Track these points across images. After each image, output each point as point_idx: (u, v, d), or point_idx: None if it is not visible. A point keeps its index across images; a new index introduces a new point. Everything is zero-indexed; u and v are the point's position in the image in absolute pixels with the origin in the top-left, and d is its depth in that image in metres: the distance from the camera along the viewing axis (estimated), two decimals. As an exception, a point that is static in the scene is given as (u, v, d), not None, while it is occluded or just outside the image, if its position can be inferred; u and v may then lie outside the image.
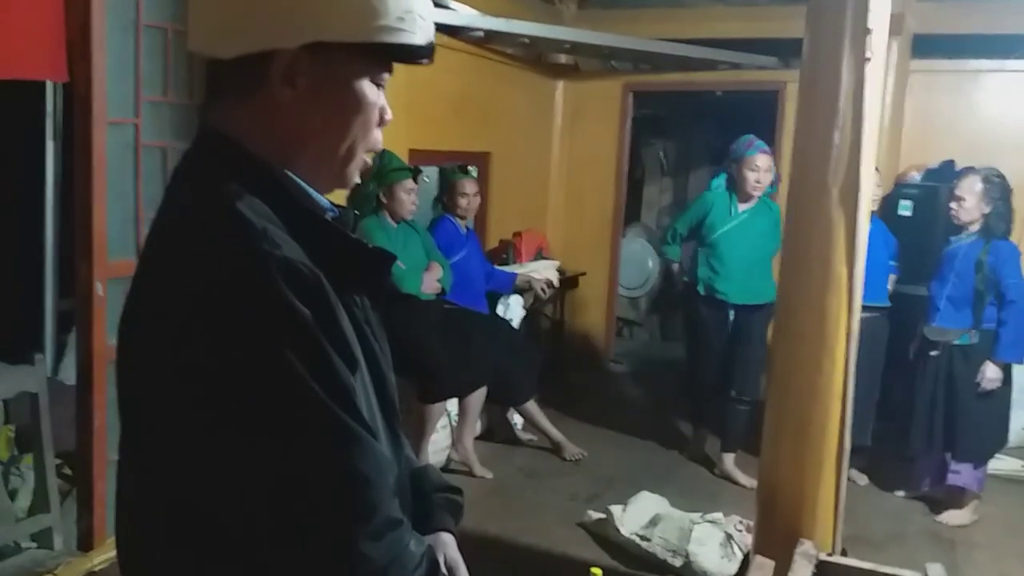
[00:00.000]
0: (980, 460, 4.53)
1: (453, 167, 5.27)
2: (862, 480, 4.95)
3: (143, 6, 3.14)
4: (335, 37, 1.05)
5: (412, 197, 4.61)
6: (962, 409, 4.41)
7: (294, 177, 1.10)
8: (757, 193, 4.82)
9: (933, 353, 4.50)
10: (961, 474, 4.48)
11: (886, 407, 5.01)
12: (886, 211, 5.50)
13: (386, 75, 1.13)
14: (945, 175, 5.53)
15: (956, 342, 4.42)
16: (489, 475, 4.85)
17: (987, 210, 4.34)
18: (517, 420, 5.46)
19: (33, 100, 3.99)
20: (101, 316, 3.06)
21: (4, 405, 3.11)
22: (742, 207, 4.85)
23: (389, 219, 4.59)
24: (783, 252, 3.01)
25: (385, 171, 4.51)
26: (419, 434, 4.63)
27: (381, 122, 1.15)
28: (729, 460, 5.01)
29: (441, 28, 5.19)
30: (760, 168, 4.77)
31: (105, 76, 3.02)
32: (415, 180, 4.66)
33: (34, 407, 3.08)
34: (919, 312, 4.75)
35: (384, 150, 4.55)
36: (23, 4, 2.84)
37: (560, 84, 7.28)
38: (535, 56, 6.85)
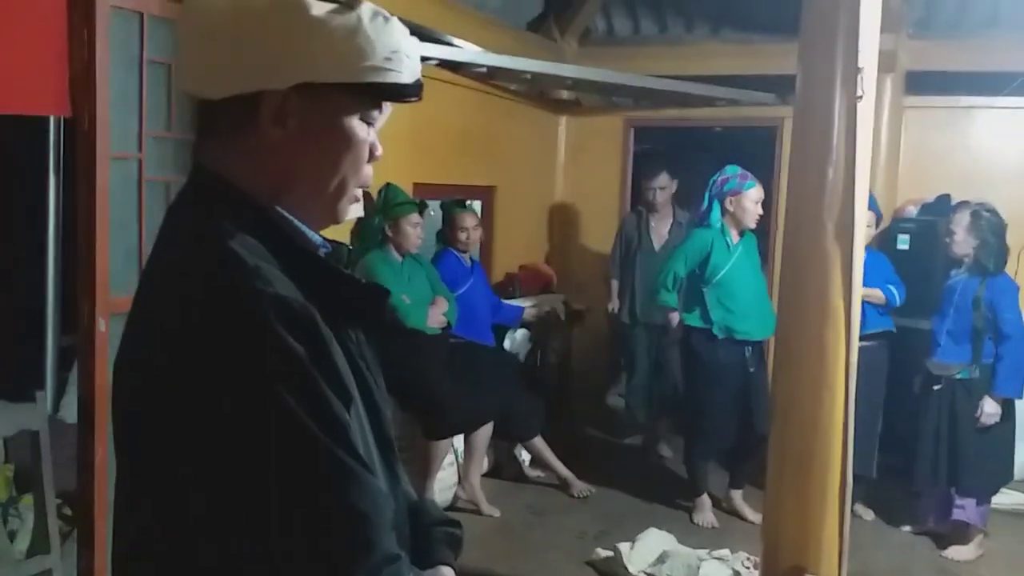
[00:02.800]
0: (984, 495, 4.51)
1: (452, 201, 5.32)
2: (868, 515, 4.95)
3: (147, 42, 3.17)
4: (324, 78, 1.08)
5: (418, 231, 4.66)
6: (965, 444, 4.41)
7: (286, 214, 1.12)
8: (754, 225, 4.83)
9: (936, 387, 4.50)
10: (966, 509, 4.46)
11: (891, 441, 4.99)
12: (884, 245, 5.53)
13: (375, 112, 1.15)
14: (941, 209, 5.59)
15: (958, 376, 4.43)
16: (496, 513, 4.82)
17: (975, 244, 4.37)
18: (524, 456, 5.44)
19: (35, 135, 4.03)
20: (103, 352, 3.04)
21: (4, 443, 3.10)
22: (736, 239, 4.82)
23: (394, 253, 4.62)
24: (780, 287, 3.03)
25: (391, 205, 4.56)
26: (424, 472, 4.59)
27: (371, 158, 1.16)
28: (737, 496, 4.97)
29: (445, 64, 5.28)
30: (759, 200, 4.80)
31: (108, 111, 3.03)
32: (420, 214, 4.71)
33: (35, 445, 3.07)
34: (919, 345, 4.76)
35: (389, 184, 4.62)
36: (26, 39, 2.87)
37: (562, 119, 7.35)
38: (537, 92, 6.92)
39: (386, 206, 4.57)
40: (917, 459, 4.59)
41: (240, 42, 1.06)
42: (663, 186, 6.01)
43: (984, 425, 4.35)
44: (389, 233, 4.59)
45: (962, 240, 4.41)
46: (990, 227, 4.37)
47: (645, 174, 6.17)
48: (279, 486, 0.96)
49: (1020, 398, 4.44)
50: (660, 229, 6.08)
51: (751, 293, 4.79)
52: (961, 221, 4.42)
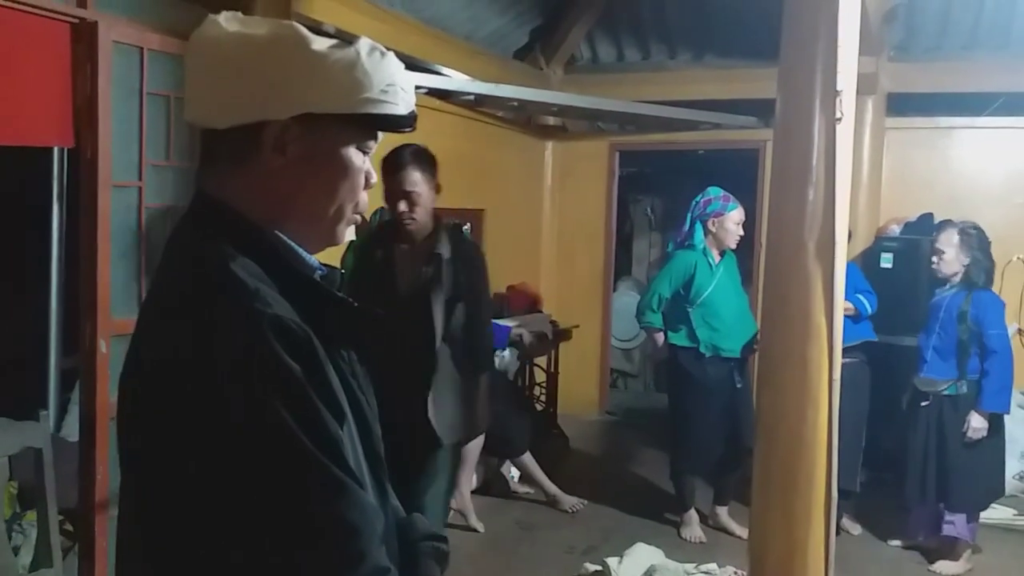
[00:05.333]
0: (974, 510, 4.52)
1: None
2: (856, 529, 4.97)
3: (147, 75, 3.27)
4: (323, 109, 1.14)
5: None
6: (953, 459, 4.41)
7: (284, 238, 1.17)
8: (735, 246, 4.91)
9: (924, 404, 4.51)
10: (955, 525, 4.47)
11: (879, 456, 5.03)
12: (867, 263, 5.62)
13: (371, 142, 1.21)
14: (924, 228, 5.70)
15: (945, 392, 4.44)
16: (481, 527, 4.85)
17: (966, 261, 4.41)
18: (513, 473, 5.50)
19: (39, 164, 4.10)
20: (104, 373, 3.12)
21: (8, 461, 3.16)
22: (717, 259, 4.89)
23: None
24: (764, 305, 3.09)
25: None
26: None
27: (366, 185, 1.22)
28: (723, 512, 5.01)
29: (434, 92, 5.38)
30: (741, 222, 4.87)
31: (110, 141, 3.13)
32: None
33: (38, 463, 3.14)
34: (903, 361, 4.81)
35: (378, 211, 4.69)
36: (33, 74, 2.95)
37: (549, 144, 7.47)
38: (525, 118, 7.04)
39: None
40: (906, 475, 4.60)
41: (245, 75, 1.12)
42: (412, 188, 3.42)
43: (971, 440, 4.36)
44: None
45: (953, 259, 4.42)
46: (979, 244, 4.43)
47: (386, 168, 3.42)
48: (274, 498, 0.99)
49: (1007, 413, 4.46)
50: (411, 261, 3.49)
51: (734, 311, 4.87)
52: (950, 240, 4.44)
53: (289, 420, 1.00)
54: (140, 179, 3.29)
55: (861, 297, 4.84)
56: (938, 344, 4.46)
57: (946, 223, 4.67)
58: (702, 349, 4.81)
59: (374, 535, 1.05)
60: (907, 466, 4.59)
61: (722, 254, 4.90)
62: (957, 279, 4.46)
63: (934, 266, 4.51)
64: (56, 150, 4.01)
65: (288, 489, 1.00)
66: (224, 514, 1.01)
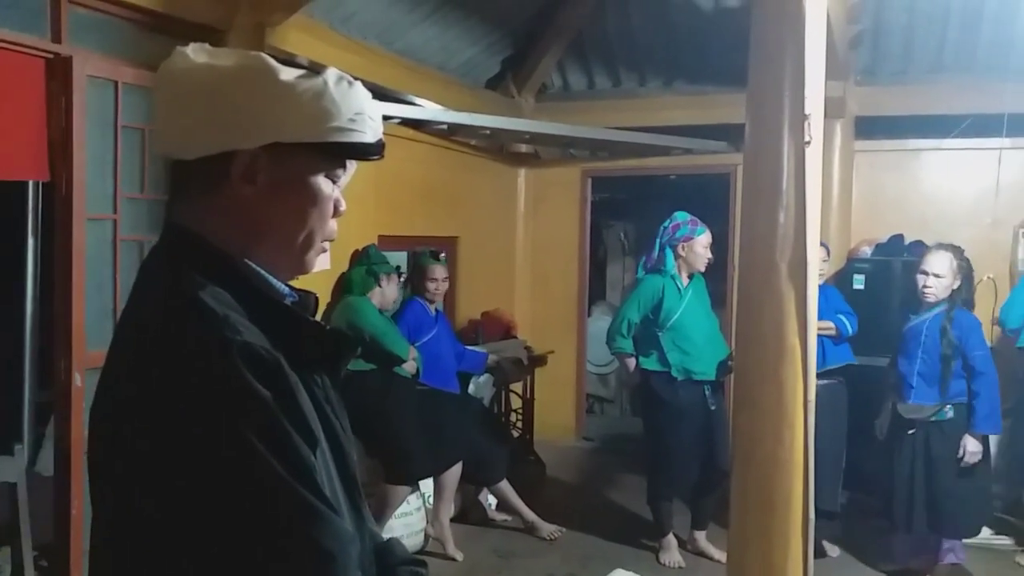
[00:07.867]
0: (970, 535, 4.48)
1: (425, 252, 5.44)
2: (834, 552, 4.93)
3: (121, 109, 3.28)
4: (292, 138, 1.14)
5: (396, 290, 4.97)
6: (947, 486, 4.32)
7: (254, 266, 1.17)
8: (704, 269, 4.93)
9: (910, 431, 4.41)
10: (955, 552, 4.42)
11: (855, 478, 5.01)
12: (839, 285, 5.68)
13: (340, 170, 1.22)
14: (894, 249, 5.77)
15: (933, 419, 4.33)
16: (459, 556, 4.83)
17: (957, 285, 4.33)
18: (490, 501, 5.48)
19: (13, 196, 4.08)
20: (79, 406, 3.10)
21: (-18, 496, 3.13)
22: (686, 283, 4.89)
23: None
24: (737, 328, 3.11)
25: (380, 263, 4.86)
26: (378, 515, 4.59)
27: (336, 213, 1.23)
28: (701, 537, 4.99)
29: (408, 122, 5.43)
30: (709, 244, 4.90)
31: (85, 175, 3.13)
32: (398, 275, 5.02)
33: (12, 497, 3.10)
34: (876, 382, 4.80)
35: (372, 246, 4.92)
36: (7, 108, 2.95)
37: (522, 171, 7.52)
38: (497, 146, 7.08)
39: (380, 261, 4.87)
40: (894, 503, 4.49)
41: (213, 106, 1.13)
42: None
43: (968, 464, 4.27)
44: (381, 285, 4.82)
45: (950, 283, 4.32)
46: (968, 265, 4.38)
47: None
48: (247, 526, 0.99)
49: (1000, 434, 4.42)
50: None
51: (704, 334, 4.87)
52: (947, 265, 4.32)
53: (261, 447, 0.99)
54: (115, 212, 3.29)
55: (843, 317, 4.86)
56: (923, 369, 4.37)
57: (921, 244, 4.66)
58: (674, 373, 4.81)
59: (349, 561, 1.04)
60: (894, 495, 4.48)
61: (690, 277, 4.92)
62: (946, 300, 4.35)
63: (928, 290, 4.35)
64: (31, 183, 4.00)
65: (261, 516, 1.00)
66: (197, 543, 1.00)
